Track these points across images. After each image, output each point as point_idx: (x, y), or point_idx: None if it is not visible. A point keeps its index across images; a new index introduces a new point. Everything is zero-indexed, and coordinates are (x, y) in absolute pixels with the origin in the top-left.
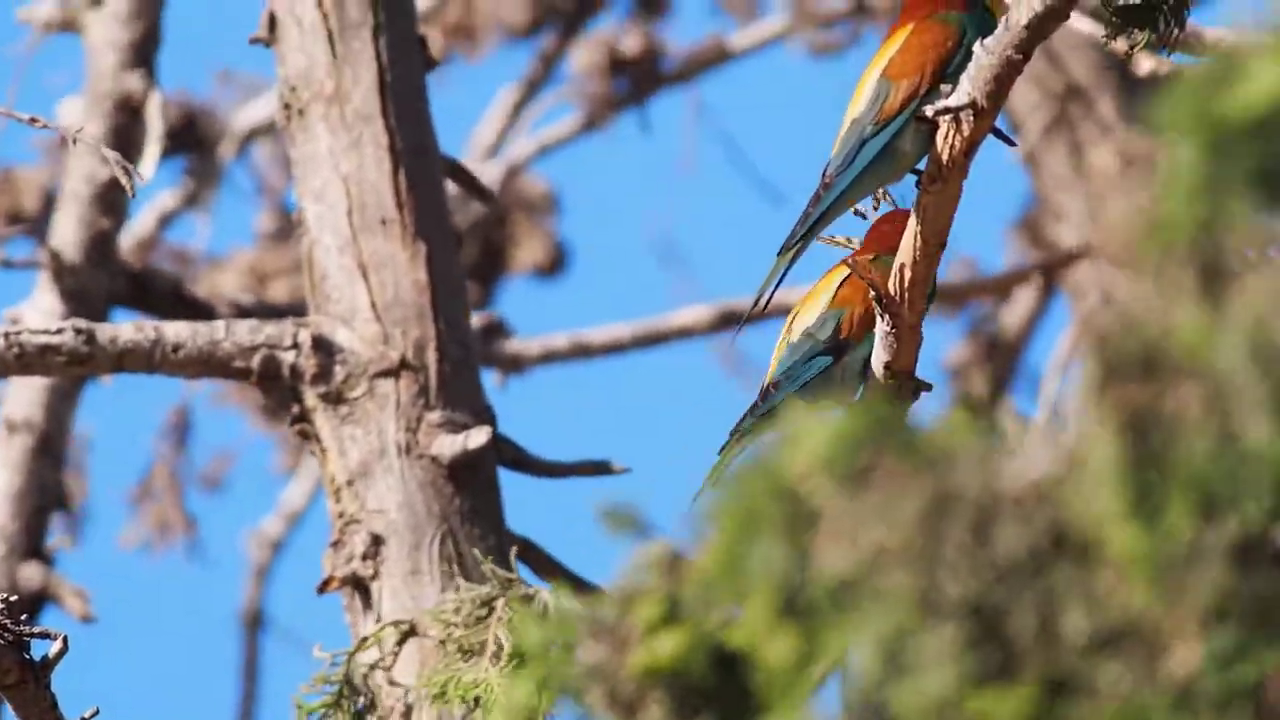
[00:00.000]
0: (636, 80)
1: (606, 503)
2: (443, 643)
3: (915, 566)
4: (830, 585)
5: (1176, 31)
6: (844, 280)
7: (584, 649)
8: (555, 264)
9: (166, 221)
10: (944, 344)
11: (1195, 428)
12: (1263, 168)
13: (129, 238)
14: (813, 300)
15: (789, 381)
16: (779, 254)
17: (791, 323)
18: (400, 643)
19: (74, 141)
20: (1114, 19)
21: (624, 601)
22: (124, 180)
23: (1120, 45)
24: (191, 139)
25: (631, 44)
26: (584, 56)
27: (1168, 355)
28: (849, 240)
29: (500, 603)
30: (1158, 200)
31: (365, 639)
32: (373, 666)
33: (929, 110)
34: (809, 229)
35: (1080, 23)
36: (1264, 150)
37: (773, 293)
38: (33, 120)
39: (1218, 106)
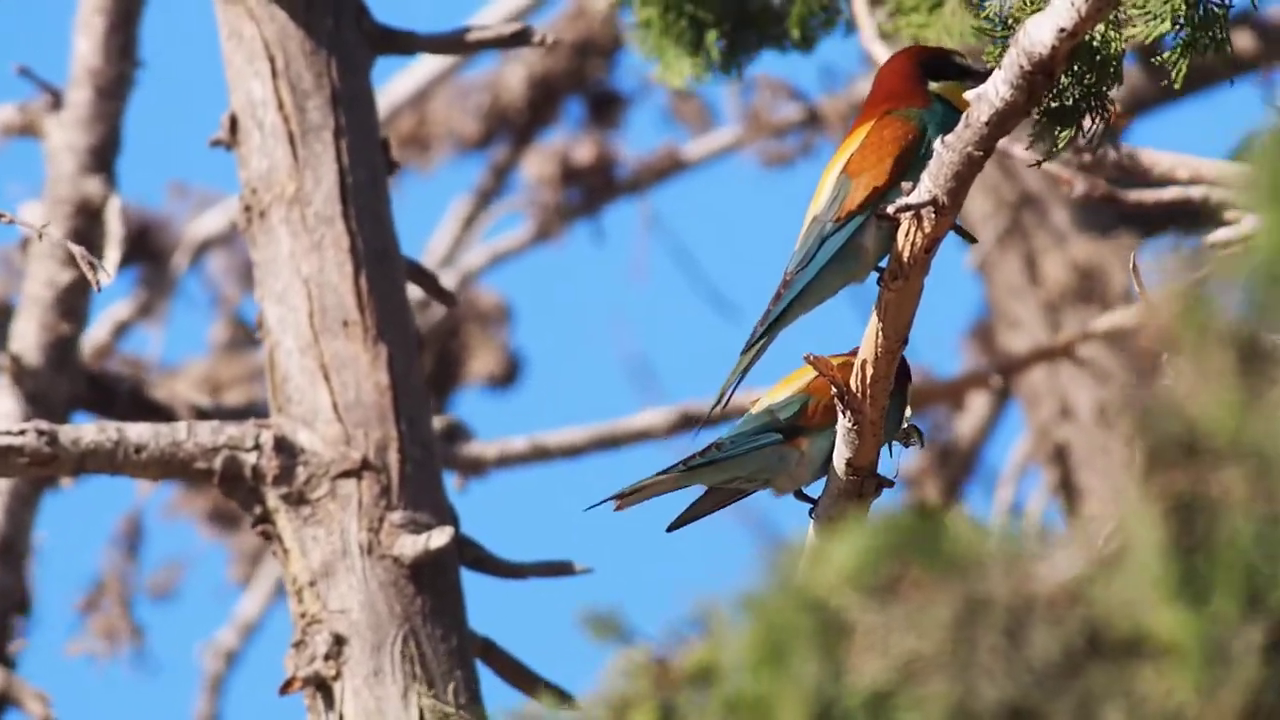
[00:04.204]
0: (589, 190)
1: (589, 610)
2: None
3: (951, 674)
4: (866, 696)
5: (1101, 128)
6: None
7: None
8: (509, 374)
9: (121, 331)
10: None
11: (1240, 511)
12: None
13: (84, 346)
14: (786, 384)
15: (733, 445)
16: (741, 353)
17: (759, 400)
18: None
19: (40, 237)
20: (1040, 119)
21: (615, 708)
22: (89, 275)
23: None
24: (145, 249)
25: (584, 154)
26: (536, 166)
27: (1210, 439)
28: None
29: None
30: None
31: None
32: None
33: (890, 208)
34: (769, 327)
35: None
36: None
37: (734, 390)
38: None
39: None
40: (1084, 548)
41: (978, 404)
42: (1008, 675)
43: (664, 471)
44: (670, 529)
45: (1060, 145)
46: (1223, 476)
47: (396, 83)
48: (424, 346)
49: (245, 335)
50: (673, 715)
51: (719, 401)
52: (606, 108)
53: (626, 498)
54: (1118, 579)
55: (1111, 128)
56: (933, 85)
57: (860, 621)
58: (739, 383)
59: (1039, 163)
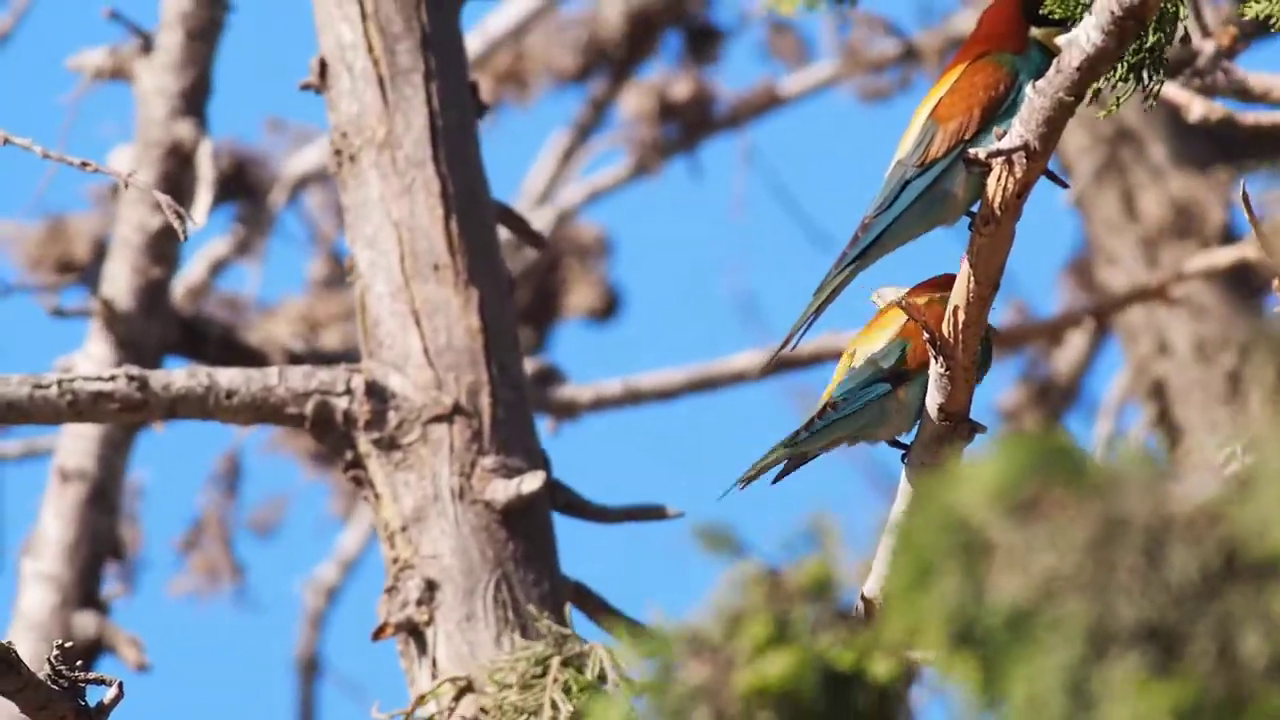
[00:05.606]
0: (687, 125)
1: (703, 523)
2: (499, 707)
3: (1089, 594)
4: (1006, 615)
5: (1159, 84)
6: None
7: (686, 669)
8: (608, 308)
9: (218, 269)
10: (997, 387)
11: None
12: None
13: (180, 285)
14: (878, 329)
15: (846, 404)
16: (815, 293)
17: (855, 349)
18: (457, 699)
19: (125, 185)
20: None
21: (729, 621)
22: (175, 224)
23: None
24: (242, 186)
25: (682, 89)
26: (634, 102)
27: None
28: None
29: (555, 662)
30: None
31: (422, 697)
32: None
33: (982, 153)
34: (844, 270)
35: None
36: None
37: (804, 331)
38: (84, 164)
39: None
40: (1217, 470)
41: (1076, 339)
42: (1146, 596)
43: (781, 444)
44: (743, 484)
45: (1158, 86)
46: None
47: (494, 18)
48: (516, 287)
49: (342, 272)
50: (787, 628)
51: (786, 342)
52: (704, 42)
53: (749, 480)
54: (1250, 501)
55: (1225, 51)
56: (1034, 30)
57: (1001, 540)
58: (811, 324)
59: (1152, 97)
